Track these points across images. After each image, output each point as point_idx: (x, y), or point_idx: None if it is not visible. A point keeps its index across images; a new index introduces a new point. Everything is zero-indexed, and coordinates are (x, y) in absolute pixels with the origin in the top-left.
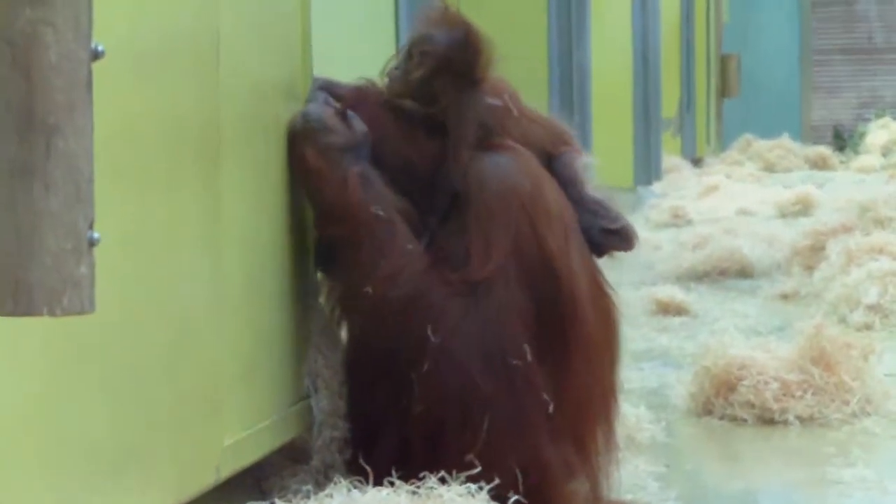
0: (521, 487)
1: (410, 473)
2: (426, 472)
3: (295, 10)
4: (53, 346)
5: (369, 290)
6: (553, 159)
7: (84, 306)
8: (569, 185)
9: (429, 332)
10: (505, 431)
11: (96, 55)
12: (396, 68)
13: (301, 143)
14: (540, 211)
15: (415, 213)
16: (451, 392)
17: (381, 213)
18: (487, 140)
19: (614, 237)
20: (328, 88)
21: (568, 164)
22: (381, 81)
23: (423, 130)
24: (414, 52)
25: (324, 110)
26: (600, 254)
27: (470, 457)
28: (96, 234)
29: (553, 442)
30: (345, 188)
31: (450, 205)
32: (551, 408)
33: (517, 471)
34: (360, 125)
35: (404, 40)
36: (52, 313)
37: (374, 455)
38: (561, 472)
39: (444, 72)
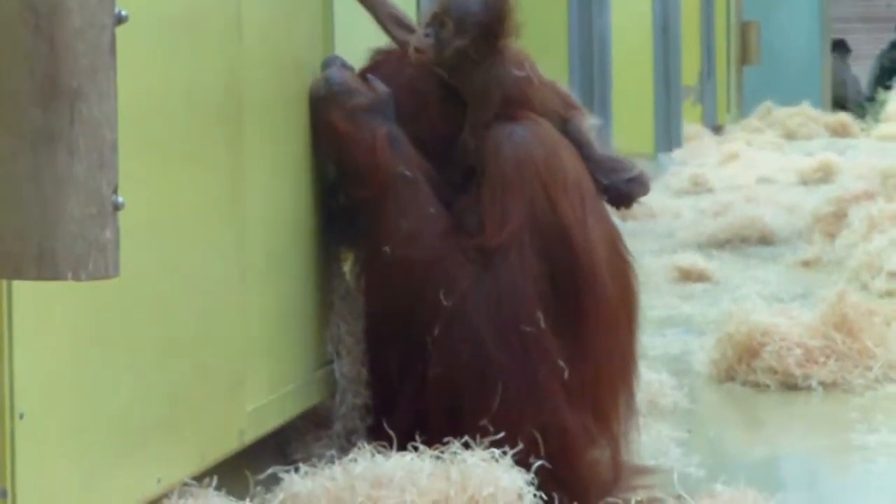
0: (541, 453)
1: (430, 438)
2: (448, 438)
3: None
4: (79, 315)
5: (388, 249)
6: (564, 122)
7: (109, 270)
8: (581, 146)
9: (441, 296)
10: (519, 397)
11: (120, 20)
12: (427, 35)
13: (327, 107)
14: (556, 179)
15: (437, 176)
16: (463, 357)
17: (407, 172)
18: (508, 109)
19: (635, 184)
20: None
21: (579, 128)
22: (397, 49)
23: (439, 99)
24: (447, 20)
25: (345, 74)
26: (628, 204)
27: (485, 422)
28: (120, 199)
29: (572, 408)
30: (374, 148)
31: (467, 173)
32: (566, 374)
33: (537, 436)
34: (381, 86)
35: (430, 5)
36: (76, 278)
37: (393, 420)
38: (581, 438)
39: (465, 33)
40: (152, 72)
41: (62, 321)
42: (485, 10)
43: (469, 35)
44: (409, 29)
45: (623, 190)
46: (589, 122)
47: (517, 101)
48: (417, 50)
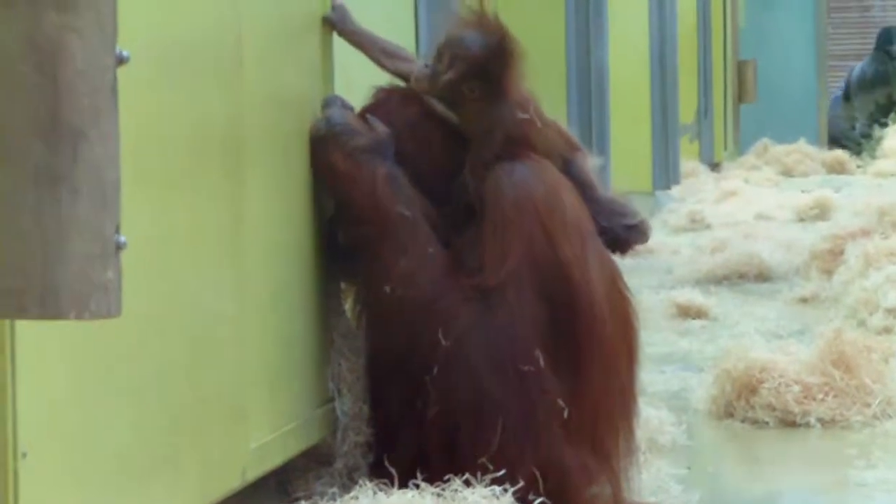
0: (541, 490)
1: (430, 475)
2: (449, 475)
3: (316, 19)
4: (80, 352)
5: (388, 289)
6: (567, 163)
7: (111, 310)
8: (584, 187)
9: (440, 336)
10: (519, 435)
11: (121, 60)
12: (426, 66)
13: (327, 147)
14: (556, 218)
15: (437, 215)
16: (462, 396)
17: (406, 213)
18: (510, 150)
19: (635, 232)
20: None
21: (581, 168)
22: (397, 85)
23: (441, 138)
24: (445, 54)
25: (346, 114)
26: (624, 250)
27: (484, 459)
28: (123, 239)
29: (570, 446)
30: (374, 189)
31: (467, 211)
32: (566, 413)
33: (537, 473)
34: (381, 127)
35: (430, 44)
36: (79, 317)
37: (393, 458)
38: (580, 475)
39: (475, 77)
40: (153, 109)
41: (63, 358)
42: (480, 48)
43: (459, 70)
44: (404, 59)
45: (621, 236)
46: (591, 163)
47: (519, 141)
48: (416, 80)
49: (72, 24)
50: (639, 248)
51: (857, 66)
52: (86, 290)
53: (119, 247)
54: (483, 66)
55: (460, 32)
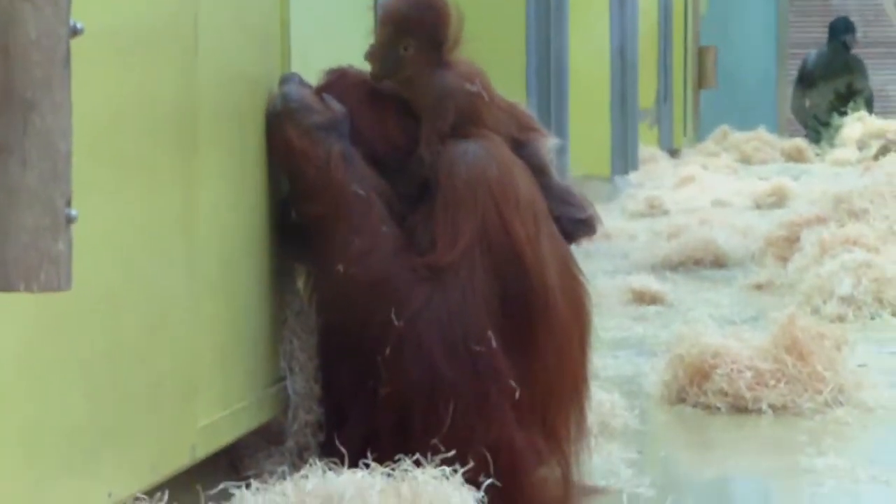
0: (491, 471)
1: (381, 455)
2: (399, 455)
3: None
4: (31, 327)
5: (340, 268)
6: (521, 145)
7: (61, 283)
8: (537, 172)
9: (392, 315)
10: (470, 417)
11: (75, 32)
12: (372, 45)
13: (282, 123)
14: (509, 198)
15: (392, 193)
16: (414, 377)
17: (360, 191)
18: (461, 127)
19: (582, 226)
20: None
21: (536, 151)
22: (353, 68)
23: (395, 115)
24: (388, 26)
25: (302, 91)
26: (569, 242)
27: (435, 440)
28: (74, 212)
29: (522, 427)
30: (327, 167)
31: (419, 191)
32: (518, 394)
33: (487, 455)
34: (337, 105)
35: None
36: (28, 289)
37: (344, 437)
38: (530, 457)
39: (405, 34)
40: (106, 84)
41: (13, 332)
42: (421, 12)
43: (389, 28)
44: None
45: (567, 229)
46: (549, 145)
47: (469, 116)
48: (366, 59)
49: None
50: (586, 240)
51: (812, 54)
52: (35, 263)
53: (70, 220)
54: (410, 19)
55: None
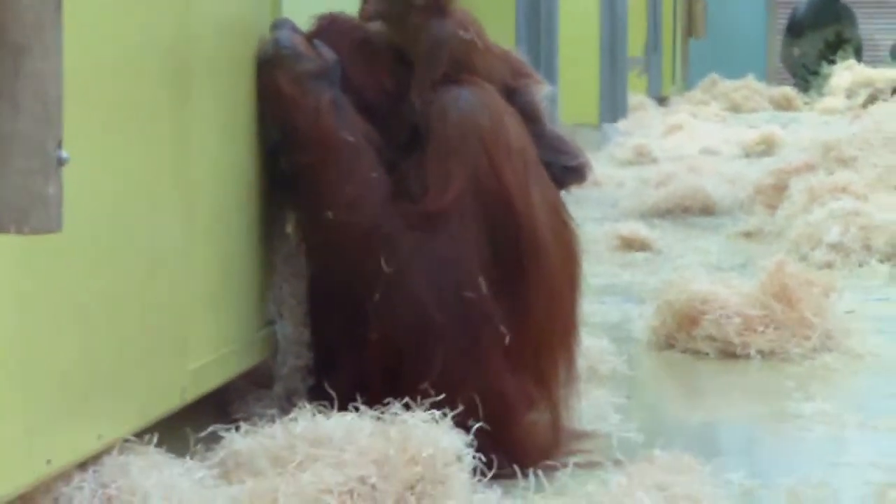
0: (481, 415)
1: (370, 400)
2: (389, 399)
3: None
4: (25, 271)
5: (330, 214)
6: (514, 92)
7: (52, 225)
8: (529, 119)
9: (382, 262)
10: (460, 362)
11: None
12: None
13: (273, 70)
14: (500, 145)
15: (382, 140)
16: (404, 322)
17: (350, 138)
18: (454, 74)
19: (573, 174)
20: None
21: (528, 99)
22: (344, 14)
23: (386, 61)
24: None
25: (294, 37)
26: (559, 188)
27: (425, 385)
28: (65, 154)
29: (512, 372)
30: (317, 114)
31: (410, 137)
32: (508, 339)
33: (476, 399)
34: (328, 52)
35: None
36: (19, 231)
37: (334, 382)
38: (520, 401)
39: None
40: (99, 30)
41: (6, 278)
42: None
43: None
44: None
45: (557, 176)
46: (542, 92)
47: (462, 64)
48: (364, 1)
49: None
50: (576, 187)
51: (802, 3)
52: (26, 204)
53: (61, 162)
54: None
55: None
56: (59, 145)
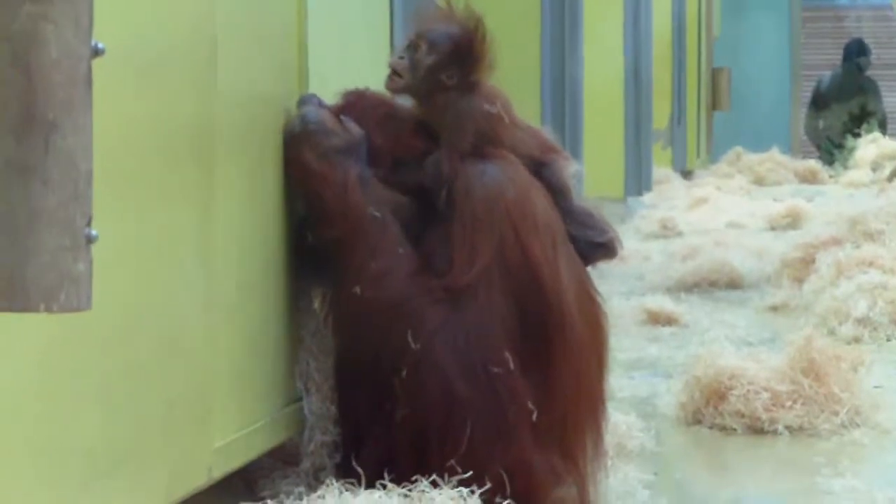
0: (508, 492)
1: (398, 476)
2: (416, 476)
3: (292, 19)
4: (49, 347)
5: (357, 290)
6: (542, 167)
7: (81, 303)
8: (557, 194)
9: (409, 337)
10: (487, 438)
11: (96, 52)
12: (401, 57)
13: (300, 145)
14: (526, 219)
15: (409, 212)
16: (431, 398)
17: (376, 213)
18: (480, 148)
19: (601, 249)
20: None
21: (556, 173)
22: (370, 90)
23: (413, 137)
24: (421, 43)
25: (321, 113)
26: (586, 264)
27: (452, 461)
28: (94, 232)
29: (539, 449)
30: (345, 190)
31: (437, 211)
32: (535, 415)
33: (504, 476)
34: (355, 128)
35: (404, 40)
36: (49, 310)
37: (361, 458)
38: (547, 478)
39: (453, 64)
40: (125, 104)
41: (30, 351)
42: (457, 32)
43: (440, 54)
44: None
45: (585, 251)
46: (570, 168)
47: (488, 137)
48: (393, 71)
49: (46, 13)
50: (607, 264)
51: (826, 76)
52: (56, 283)
53: (90, 240)
54: (461, 51)
55: (435, 21)
56: (89, 222)
